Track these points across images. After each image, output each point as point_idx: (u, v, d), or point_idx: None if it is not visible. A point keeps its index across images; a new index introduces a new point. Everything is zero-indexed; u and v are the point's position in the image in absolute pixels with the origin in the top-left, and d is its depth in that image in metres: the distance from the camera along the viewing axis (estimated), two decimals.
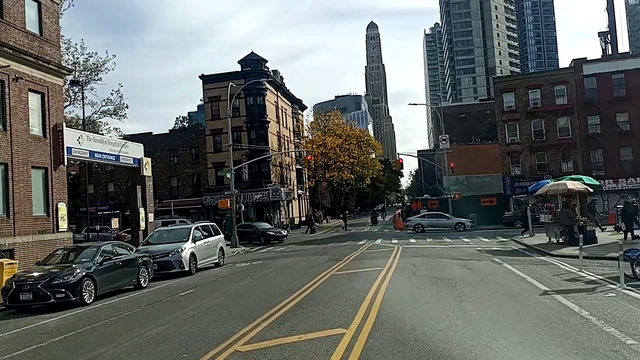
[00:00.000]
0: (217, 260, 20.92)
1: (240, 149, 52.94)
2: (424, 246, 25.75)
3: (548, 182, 24.16)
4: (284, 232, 37.98)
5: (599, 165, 43.90)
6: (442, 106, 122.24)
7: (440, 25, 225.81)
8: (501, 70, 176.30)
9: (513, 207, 45.68)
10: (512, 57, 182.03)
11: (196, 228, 20.10)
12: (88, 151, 25.66)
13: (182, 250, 18.16)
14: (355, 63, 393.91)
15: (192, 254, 18.61)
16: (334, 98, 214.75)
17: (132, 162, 30.62)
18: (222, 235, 21.99)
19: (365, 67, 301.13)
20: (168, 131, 55.99)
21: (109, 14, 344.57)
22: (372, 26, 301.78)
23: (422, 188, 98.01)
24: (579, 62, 44.97)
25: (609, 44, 63.20)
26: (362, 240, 31.96)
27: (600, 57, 47.46)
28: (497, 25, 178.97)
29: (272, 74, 56.94)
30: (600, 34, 63.98)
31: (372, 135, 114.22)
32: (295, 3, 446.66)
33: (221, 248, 21.44)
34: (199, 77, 54.35)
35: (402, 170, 79.91)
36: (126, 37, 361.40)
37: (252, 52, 53.95)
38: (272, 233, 36.53)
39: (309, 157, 36.82)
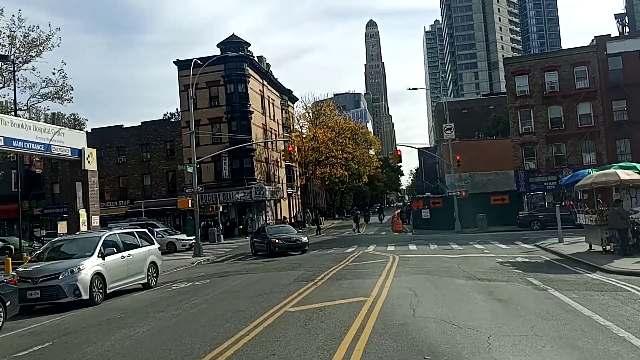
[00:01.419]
0: (145, 280, 15.33)
1: (220, 142, 47.41)
2: (428, 256, 20.14)
3: (588, 173, 18.55)
4: (303, 239, 25.46)
5: (626, 157, 38.16)
6: (444, 101, 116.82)
7: (440, 22, 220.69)
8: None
9: (527, 205, 40.09)
10: (515, 52, 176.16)
11: (110, 237, 14.45)
12: (2, 138, 20.25)
13: (79, 269, 12.57)
14: (355, 64, 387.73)
15: (98, 274, 13.02)
16: (332, 96, 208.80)
17: (69, 153, 25.14)
18: (154, 246, 16.39)
19: (365, 65, 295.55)
20: (140, 123, 50.32)
21: (109, 14, 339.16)
22: (371, 24, 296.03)
23: (423, 187, 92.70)
24: (601, 40, 39.37)
25: (626, 27, 57.79)
26: (351, 247, 26.36)
27: (626, 34, 41.84)
28: (499, 18, 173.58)
29: (256, 60, 51.37)
30: (617, 15, 58.50)
31: (371, 131, 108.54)
32: (295, 3, 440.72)
33: (153, 263, 15.83)
34: (174, 62, 48.80)
35: (400, 166, 74.11)
36: (126, 37, 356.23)
37: (232, 35, 48.38)
38: (277, 241, 24.28)
39: (290, 149, 31.15)
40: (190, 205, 26.70)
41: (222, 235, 39.90)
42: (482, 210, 36.63)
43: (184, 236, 35.09)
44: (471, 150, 55.35)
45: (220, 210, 41.97)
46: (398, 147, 40.43)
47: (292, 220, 49.83)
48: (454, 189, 38.59)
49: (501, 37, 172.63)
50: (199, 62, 28.20)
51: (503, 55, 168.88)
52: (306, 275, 15.64)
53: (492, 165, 58.11)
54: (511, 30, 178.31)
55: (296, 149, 59.94)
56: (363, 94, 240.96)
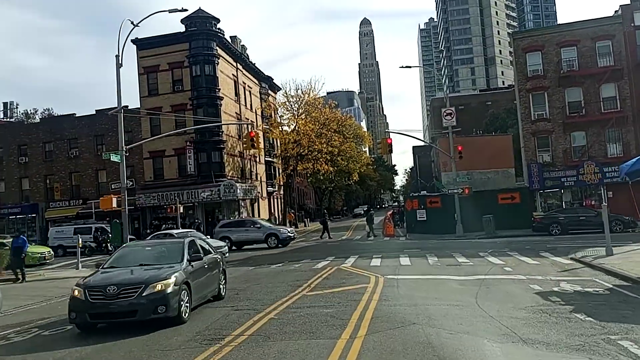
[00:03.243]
0: None
1: (185, 133, 41.06)
2: (426, 278, 13.93)
3: None
4: (160, 285, 9.17)
5: None
6: (439, 97, 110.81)
7: (435, 19, 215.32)
8: (501, 61, 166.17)
9: (540, 205, 34.10)
10: (512, 47, 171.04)
11: None
12: None
13: None
14: (349, 66, 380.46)
15: None
16: (325, 94, 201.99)
17: None
18: None
19: (359, 64, 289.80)
20: (94, 112, 43.89)
21: (101, 15, 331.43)
22: (365, 22, 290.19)
23: (418, 186, 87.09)
24: (627, 9, 33.40)
25: None
26: (326, 259, 20.16)
27: None
28: (496, 12, 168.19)
29: (228, 40, 45.05)
30: None
31: (365, 129, 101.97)
32: (288, 4, 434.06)
33: None
34: (132, 41, 42.28)
35: (395, 166, 68.08)
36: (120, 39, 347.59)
37: (199, 9, 41.99)
38: (79, 295, 9.30)
39: (252, 134, 25.01)
40: (114, 205, 20.35)
41: None
42: (487, 211, 30.63)
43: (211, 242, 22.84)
44: (469, 147, 49.88)
45: (181, 211, 35.67)
46: (388, 135, 34.24)
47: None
48: (455, 186, 32.57)
49: (498, 31, 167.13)
50: (132, 23, 21.87)
51: (500, 51, 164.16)
52: (228, 319, 9.45)
53: (491, 163, 53.28)
54: (508, 25, 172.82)
55: (278, 143, 53.82)
56: (357, 93, 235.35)
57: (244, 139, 28.27)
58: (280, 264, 19.72)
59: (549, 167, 33.64)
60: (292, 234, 30.95)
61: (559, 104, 33.85)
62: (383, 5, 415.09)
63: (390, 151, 29.45)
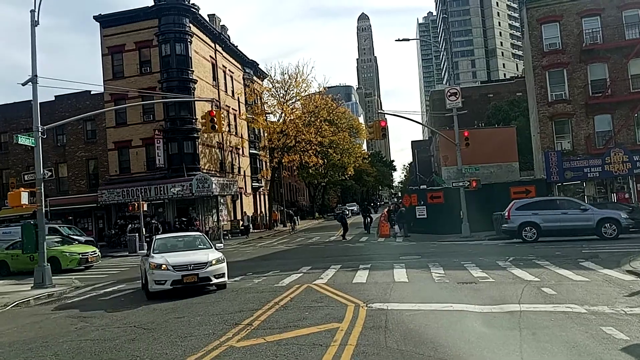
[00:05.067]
0: None
1: (153, 121, 36.46)
2: (431, 309, 9.23)
3: None
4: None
5: None
6: (438, 89, 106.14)
7: (433, 14, 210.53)
8: (502, 53, 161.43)
9: None
10: (513, 39, 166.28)
11: None
12: None
13: None
14: (347, 62, 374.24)
15: None
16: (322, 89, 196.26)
17: None
18: None
19: (357, 59, 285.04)
20: (53, 98, 39.14)
21: (94, 13, 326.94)
22: (363, 17, 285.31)
23: (417, 181, 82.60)
24: None
25: None
26: (299, 271, 15.57)
27: None
28: (497, 3, 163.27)
29: (205, 18, 40.26)
30: None
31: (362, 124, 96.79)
32: (286, 1, 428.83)
33: None
34: (94, 17, 37.66)
35: (393, 161, 63.56)
36: None
37: None
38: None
39: (212, 113, 20.38)
40: (23, 202, 15.63)
41: (144, 244, 28.98)
42: (498, 207, 26.02)
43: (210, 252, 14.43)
44: (470, 140, 46.05)
45: (145, 209, 31.03)
46: (383, 117, 29.55)
47: (245, 223, 38.92)
48: (459, 179, 28.01)
49: (499, 22, 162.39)
50: None
51: (501, 42, 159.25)
52: None
53: (493, 157, 49.60)
54: (509, 16, 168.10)
55: (264, 133, 49.16)
56: (355, 88, 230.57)
57: (202, 119, 23.43)
58: (237, 278, 15.06)
59: (569, 155, 28.99)
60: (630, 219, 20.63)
61: (580, 82, 29.18)
62: (381, 2, 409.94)
63: (384, 136, 24.87)
